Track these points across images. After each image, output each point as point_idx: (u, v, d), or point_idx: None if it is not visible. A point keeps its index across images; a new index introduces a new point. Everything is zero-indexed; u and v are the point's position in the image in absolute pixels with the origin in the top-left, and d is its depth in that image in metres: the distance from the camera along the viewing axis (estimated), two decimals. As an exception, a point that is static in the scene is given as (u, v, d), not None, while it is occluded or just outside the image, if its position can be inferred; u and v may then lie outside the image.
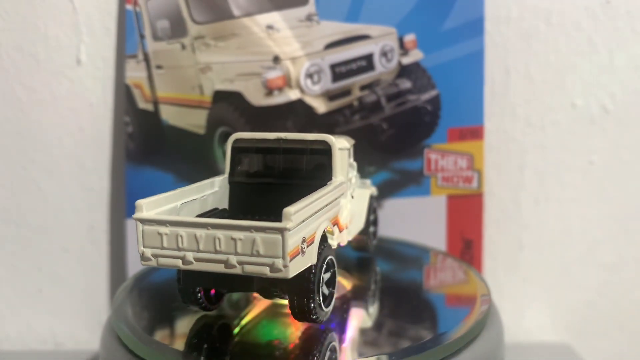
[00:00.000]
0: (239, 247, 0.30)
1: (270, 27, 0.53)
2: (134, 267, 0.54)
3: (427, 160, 0.55)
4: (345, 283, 0.43)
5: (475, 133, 0.54)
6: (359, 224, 0.44)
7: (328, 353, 0.32)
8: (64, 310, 0.58)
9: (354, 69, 0.54)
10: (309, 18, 0.54)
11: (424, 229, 0.55)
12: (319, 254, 0.33)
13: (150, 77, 0.54)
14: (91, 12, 0.54)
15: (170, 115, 0.55)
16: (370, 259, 0.47)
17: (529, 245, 0.58)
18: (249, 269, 0.30)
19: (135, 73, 0.54)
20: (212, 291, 0.37)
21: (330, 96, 0.54)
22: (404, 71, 0.54)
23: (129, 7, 0.53)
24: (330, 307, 0.35)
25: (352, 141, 0.43)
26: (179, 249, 0.31)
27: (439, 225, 0.55)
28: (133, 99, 0.54)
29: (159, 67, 0.54)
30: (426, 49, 0.54)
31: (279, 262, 0.30)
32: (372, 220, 0.47)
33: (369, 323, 0.38)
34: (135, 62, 0.54)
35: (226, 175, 0.40)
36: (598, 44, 0.55)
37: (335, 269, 0.36)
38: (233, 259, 0.30)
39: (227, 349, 0.34)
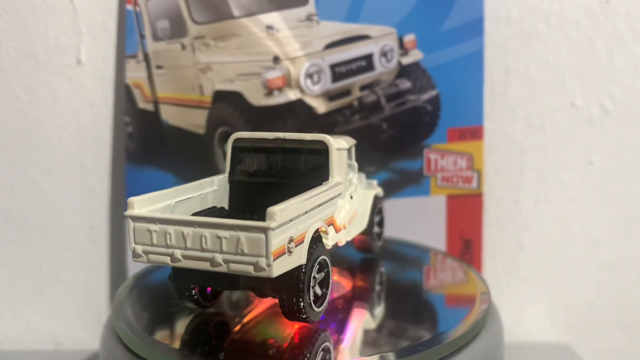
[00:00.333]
0: (225, 245, 0.30)
1: (270, 27, 0.53)
2: (134, 266, 0.55)
3: (426, 160, 0.55)
4: (345, 283, 0.43)
5: (475, 133, 0.54)
6: (360, 224, 0.44)
7: (321, 353, 0.32)
8: (64, 310, 0.58)
9: (353, 69, 0.54)
10: (308, 18, 0.54)
11: (423, 229, 0.55)
12: (310, 253, 0.33)
13: (150, 77, 0.54)
14: (91, 12, 0.54)
15: (170, 115, 0.55)
16: (372, 260, 0.47)
17: (528, 245, 0.58)
18: (234, 267, 0.30)
19: (135, 73, 0.54)
20: (209, 289, 0.37)
21: (330, 96, 0.54)
22: (403, 71, 0.54)
23: (129, 7, 0.54)
24: (322, 307, 0.35)
25: (353, 141, 0.43)
26: (167, 247, 0.32)
27: (438, 225, 0.55)
28: (133, 99, 0.54)
29: (159, 67, 0.54)
30: (426, 49, 0.54)
31: (262, 261, 0.30)
32: (377, 221, 0.47)
33: (368, 323, 0.38)
34: (135, 62, 0.54)
35: (226, 174, 0.41)
36: (598, 44, 0.55)
37: (330, 269, 0.36)
38: (219, 257, 0.31)
39: (226, 348, 0.34)
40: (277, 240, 0.30)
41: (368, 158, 0.53)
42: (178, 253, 0.31)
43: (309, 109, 0.53)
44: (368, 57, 0.54)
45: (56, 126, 0.55)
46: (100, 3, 0.54)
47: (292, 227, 0.32)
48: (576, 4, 0.54)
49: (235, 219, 0.32)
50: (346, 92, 0.54)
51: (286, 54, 0.53)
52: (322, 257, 0.35)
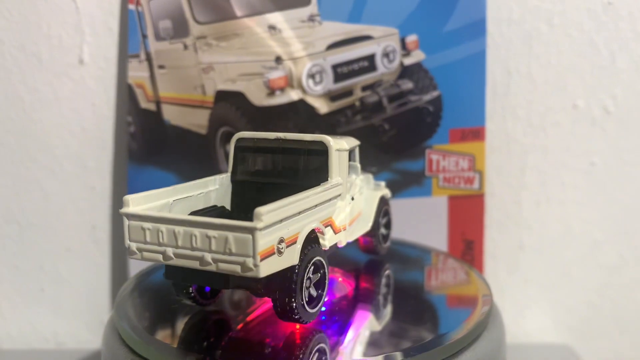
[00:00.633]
0: (213, 244, 0.31)
1: (272, 27, 0.53)
2: (135, 266, 0.55)
3: (428, 160, 0.55)
4: (347, 284, 0.43)
5: (477, 134, 0.54)
6: (364, 226, 0.43)
7: (317, 354, 0.32)
8: (65, 310, 0.58)
9: (355, 70, 0.54)
10: (311, 18, 0.54)
11: (425, 229, 0.55)
12: (304, 254, 0.33)
13: (152, 77, 0.54)
14: (94, 12, 0.54)
15: (172, 115, 0.55)
16: (377, 261, 0.47)
17: (529, 246, 0.58)
18: (223, 266, 0.31)
19: (137, 73, 0.54)
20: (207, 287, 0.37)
21: (332, 96, 0.54)
22: (405, 72, 0.54)
23: (131, 7, 0.54)
24: (317, 309, 0.35)
25: (357, 142, 0.43)
26: (159, 244, 0.32)
27: (440, 226, 0.55)
28: (135, 98, 0.54)
29: (161, 67, 0.54)
30: (428, 50, 0.54)
31: (249, 261, 0.30)
32: (383, 223, 0.46)
33: (370, 323, 0.38)
34: (137, 62, 0.54)
35: (229, 173, 0.41)
36: (600, 45, 0.55)
37: (326, 270, 0.36)
38: (208, 256, 0.31)
39: (227, 349, 0.34)
40: (265, 241, 0.30)
41: (370, 158, 0.53)
42: (170, 251, 0.32)
43: (310, 109, 0.53)
44: (370, 58, 0.54)
45: (58, 126, 0.55)
46: (102, 3, 0.54)
47: (283, 228, 0.32)
48: (578, 5, 0.54)
49: (235, 218, 0.32)
50: (348, 93, 0.54)
51: (288, 54, 0.53)
52: (318, 258, 0.35)
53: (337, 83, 0.54)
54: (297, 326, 0.35)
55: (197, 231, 0.31)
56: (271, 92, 0.53)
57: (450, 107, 0.54)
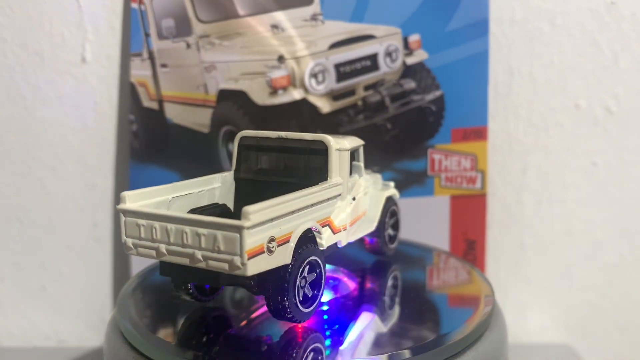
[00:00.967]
0: (203, 242, 0.31)
1: (275, 26, 0.53)
2: (136, 264, 0.55)
3: (430, 160, 0.55)
4: (350, 283, 0.43)
5: (479, 134, 0.54)
6: (369, 226, 0.43)
7: (312, 354, 0.33)
8: (67, 308, 0.58)
9: (358, 69, 0.54)
10: (313, 18, 0.54)
11: (427, 229, 0.55)
12: (298, 254, 0.33)
13: (155, 76, 0.54)
14: (96, 10, 0.54)
15: (174, 113, 0.55)
16: (382, 261, 0.47)
17: (531, 246, 0.58)
18: (212, 264, 0.31)
19: (140, 71, 0.54)
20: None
21: (334, 96, 0.54)
22: (408, 71, 0.54)
23: (134, 5, 0.54)
24: (312, 308, 0.35)
25: (360, 142, 0.43)
26: (153, 241, 0.32)
27: (442, 225, 0.55)
28: (138, 97, 0.54)
29: (163, 65, 0.54)
30: (431, 50, 0.54)
31: (237, 260, 0.30)
32: (391, 223, 0.46)
33: (372, 323, 0.38)
34: (140, 61, 0.54)
35: (232, 171, 0.41)
36: (602, 46, 0.55)
37: (323, 270, 0.36)
38: (198, 254, 0.31)
39: (228, 348, 0.34)
40: (253, 240, 0.30)
41: (372, 158, 0.53)
42: (162, 247, 0.32)
43: (313, 108, 0.53)
44: (373, 57, 0.54)
45: (60, 124, 0.55)
46: (105, 1, 0.54)
47: (275, 227, 0.32)
48: (581, 5, 0.54)
49: (235, 216, 0.32)
50: (350, 92, 0.54)
51: (291, 53, 0.53)
52: (313, 257, 0.35)
53: (340, 82, 0.54)
54: (299, 325, 0.35)
55: (187, 229, 0.31)
56: (274, 91, 0.53)
57: (452, 106, 0.54)
